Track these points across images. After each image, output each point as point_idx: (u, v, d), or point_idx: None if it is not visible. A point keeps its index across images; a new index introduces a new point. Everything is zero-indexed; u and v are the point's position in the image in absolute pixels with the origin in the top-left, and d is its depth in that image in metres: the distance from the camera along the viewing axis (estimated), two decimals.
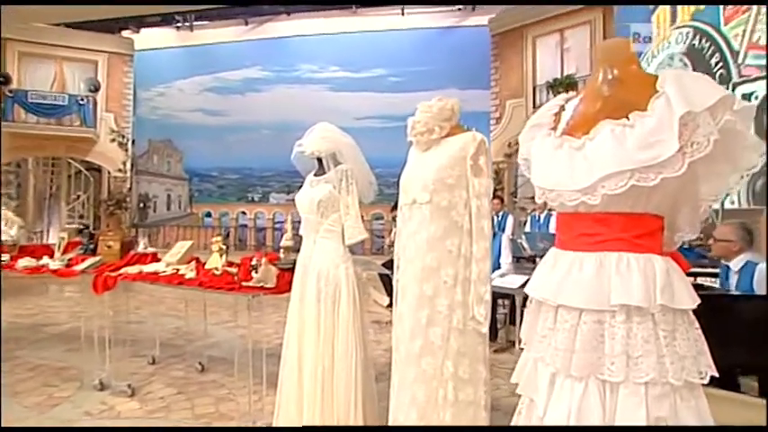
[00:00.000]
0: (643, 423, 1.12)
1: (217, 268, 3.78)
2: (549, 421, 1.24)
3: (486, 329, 1.87)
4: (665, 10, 6.24)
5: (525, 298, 4.72)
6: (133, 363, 4.24)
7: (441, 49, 11.08)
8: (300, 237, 2.94)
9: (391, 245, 7.40)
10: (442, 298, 1.86)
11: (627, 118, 1.16)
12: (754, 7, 5.15)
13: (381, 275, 6.41)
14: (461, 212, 1.89)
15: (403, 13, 11.53)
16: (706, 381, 1.16)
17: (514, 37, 9.98)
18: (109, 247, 4.22)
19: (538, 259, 5.73)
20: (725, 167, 1.20)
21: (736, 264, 3.04)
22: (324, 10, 11.76)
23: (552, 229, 6.58)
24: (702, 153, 1.09)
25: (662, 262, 1.18)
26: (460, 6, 11.06)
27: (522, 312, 4.67)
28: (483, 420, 1.91)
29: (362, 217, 2.75)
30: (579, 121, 1.28)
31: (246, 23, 12.40)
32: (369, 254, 9.97)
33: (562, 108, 1.38)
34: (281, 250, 3.78)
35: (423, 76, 10.60)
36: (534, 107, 9.59)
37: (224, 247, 4.05)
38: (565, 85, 8.99)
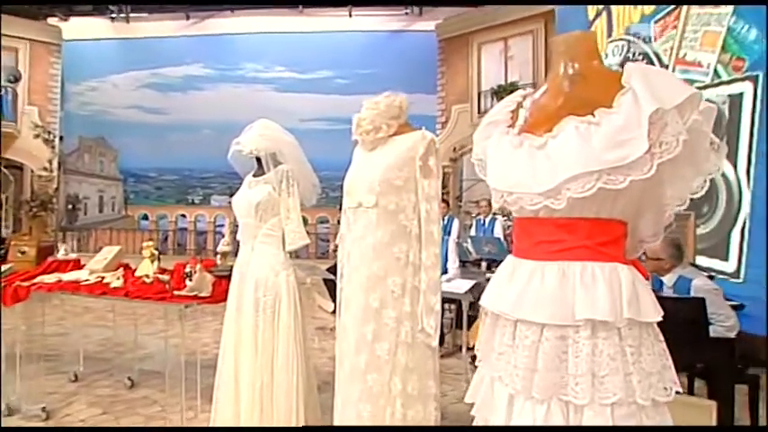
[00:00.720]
0: None
1: (147, 276, 3.47)
2: None
3: (436, 342, 1.73)
4: (602, 21, 6.43)
5: (472, 303, 4.69)
6: (51, 381, 3.81)
7: (388, 53, 11.00)
8: (239, 242, 2.72)
9: (336, 249, 7.19)
10: (389, 309, 1.71)
11: (592, 115, 1.05)
12: (680, 24, 5.37)
13: (326, 280, 6.20)
14: (410, 216, 1.75)
15: (350, 15, 11.37)
16: (671, 398, 1.08)
17: (460, 43, 10.06)
18: (23, 252, 3.79)
19: (483, 263, 5.73)
20: (688, 171, 1.11)
21: (669, 280, 3.09)
22: (270, 8, 11.39)
23: (497, 232, 6.61)
24: (672, 154, 0.99)
25: (627, 272, 1.08)
26: (407, 11, 11.04)
27: (468, 317, 4.61)
28: None
29: (306, 220, 2.57)
30: (539, 118, 1.16)
31: (188, 18, 11.82)
32: (313, 258, 9.71)
33: (520, 105, 1.27)
34: (218, 256, 3.53)
35: (370, 79, 10.48)
36: (479, 113, 9.70)
37: (156, 252, 3.73)
38: (508, 91, 9.11)
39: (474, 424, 1.32)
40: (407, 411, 1.70)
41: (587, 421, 1.04)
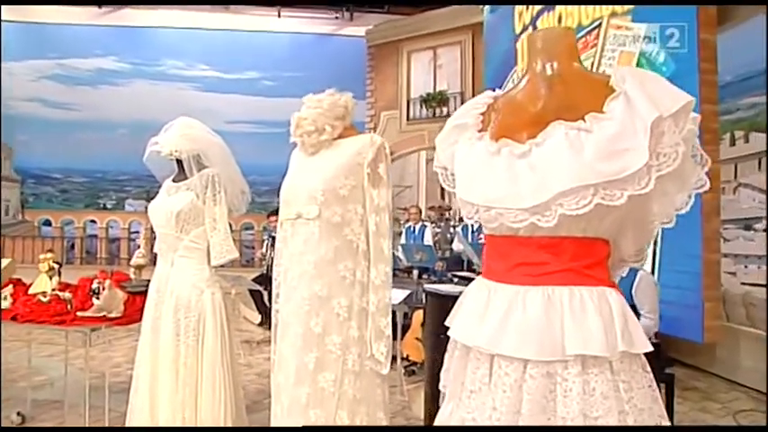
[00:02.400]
0: None
1: (45, 293, 2.99)
2: None
3: (386, 370, 1.54)
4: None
5: (405, 314, 4.56)
6: None
7: (317, 56, 10.70)
8: (157, 253, 2.37)
9: (263, 258, 6.83)
10: (333, 335, 1.49)
11: (583, 120, 0.91)
12: (600, 42, 5.60)
13: (252, 291, 5.83)
14: (356, 230, 1.55)
15: (279, 15, 10.96)
16: None
17: (390, 50, 10.00)
18: None
19: (415, 271, 5.65)
20: (671, 186, 1.00)
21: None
22: (193, 2, 10.69)
23: (427, 240, 6.57)
24: (671, 167, 0.87)
25: (616, 296, 0.96)
26: (337, 15, 10.83)
27: (403, 326, 4.48)
28: None
29: (231, 227, 2.28)
30: (518, 122, 1.01)
31: (100, 6, 10.76)
32: (238, 267, 9.19)
33: (491, 107, 1.11)
34: (132, 270, 3.12)
35: (298, 82, 10.11)
36: (408, 120, 9.69)
37: (55, 265, 3.24)
38: (437, 100, 9.21)
39: None
40: None
41: None
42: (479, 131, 1.07)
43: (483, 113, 1.11)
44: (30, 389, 3.65)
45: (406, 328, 4.75)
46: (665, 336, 3.57)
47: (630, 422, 0.91)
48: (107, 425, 2.78)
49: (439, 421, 1.14)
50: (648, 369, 0.99)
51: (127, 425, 2.24)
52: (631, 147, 0.86)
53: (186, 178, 2.24)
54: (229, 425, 2.08)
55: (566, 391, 0.90)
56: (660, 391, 1.00)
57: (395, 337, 4.46)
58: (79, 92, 11.19)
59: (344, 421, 1.47)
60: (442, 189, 10.74)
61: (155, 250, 2.36)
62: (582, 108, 0.94)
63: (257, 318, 6.17)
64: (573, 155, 0.88)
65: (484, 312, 0.99)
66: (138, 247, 2.98)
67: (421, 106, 9.46)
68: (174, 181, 2.30)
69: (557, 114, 0.95)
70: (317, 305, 1.48)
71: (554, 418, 0.92)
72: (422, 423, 3.28)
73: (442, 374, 1.14)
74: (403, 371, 4.33)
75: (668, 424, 0.98)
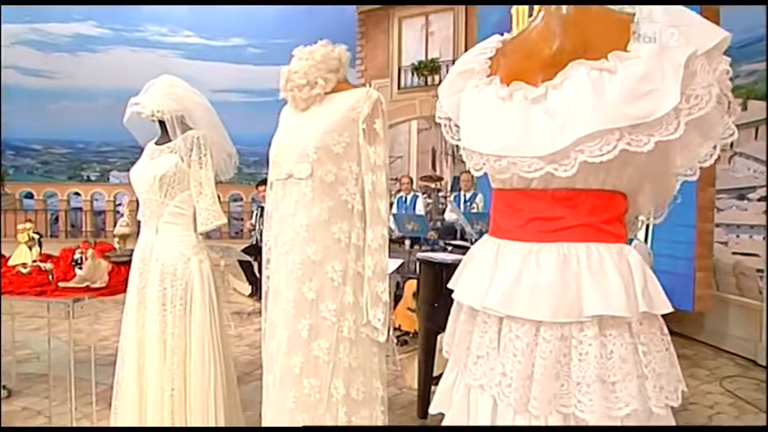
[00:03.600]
0: None
1: (24, 265, 2.89)
2: None
3: (384, 337, 1.48)
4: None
5: (398, 283, 4.52)
6: None
7: (305, 24, 10.39)
8: (140, 222, 2.27)
9: (252, 229, 6.72)
10: (328, 301, 1.42)
11: (606, 59, 0.82)
12: None
13: (241, 262, 5.75)
14: (351, 190, 1.46)
15: None
16: (679, 401, 0.91)
17: (380, 17, 9.72)
18: None
19: (407, 241, 5.60)
20: (696, 135, 0.92)
21: None
22: None
23: (419, 210, 6.50)
24: (703, 110, 0.79)
25: (636, 255, 0.89)
26: None
27: (396, 297, 4.44)
28: None
29: (219, 197, 2.18)
30: (531, 64, 0.92)
31: None
32: (226, 239, 9.09)
33: (499, 51, 1.02)
34: (116, 239, 3.01)
35: (286, 50, 9.76)
36: (399, 89, 9.49)
37: (35, 236, 3.13)
38: (429, 68, 9.02)
39: None
40: (352, 418, 1.44)
41: None
42: (487, 77, 0.98)
43: (491, 58, 1.01)
44: (15, 362, 3.58)
45: (398, 299, 4.73)
46: None
47: (649, 387, 0.85)
48: (94, 398, 2.72)
49: (442, 389, 1.08)
50: (666, 332, 0.94)
51: (114, 397, 2.17)
52: (660, 88, 0.78)
53: (170, 140, 2.12)
54: (220, 396, 2.02)
55: (581, 354, 0.84)
56: None
57: None
58: (56, 59, 10.80)
59: (340, 391, 1.41)
60: (434, 159, 10.61)
61: (138, 218, 2.26)
62: (603, 48, 0.85)
63: (247, 289, 6.11)
64: (595, 96, 0.80)
65: (493, 272, 0.92)
66: (122, 215, 2.86)
67: (412, 74, 9.26)
68: (156, 144, 2.19)
69: (575, 55, 0.86)
70: (310, 270, 1.40)
71: (568, 384, 0.86)
72: (414, 392, 3.27)
73: (446, 339, 1.08)
74: (395, 341, 4.32)
75: (685, 389, 0.92)
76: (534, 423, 0.86)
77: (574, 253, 0.86)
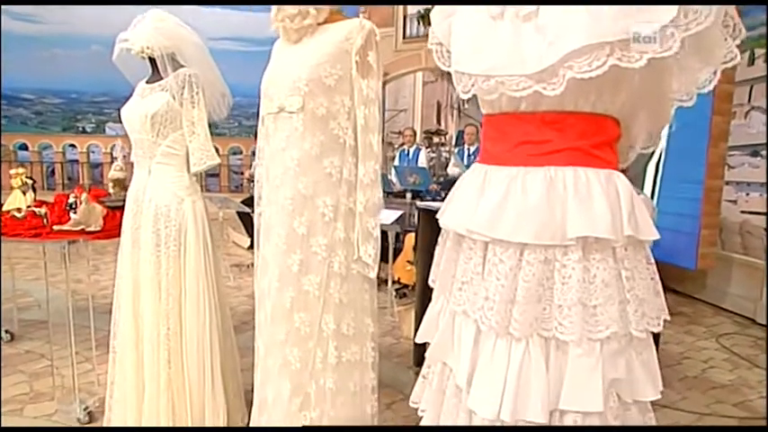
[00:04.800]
0: (599, 390, 0.85)
1: (19, 209, 2.92)
2: (476, 395, 0.92)
3: (374, 273, 1.51)
4: None
5: (398, 234, 4.55)
6: None
7: None
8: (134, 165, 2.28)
9: (251, 179, 6.73)
10: (318, 236, 1.44)
11: None
12: None
13: (240, 214, 5.79)
14: (343, 124, 1.45)
15: None
16: (660, 328, 0.93)
17: None
18: None
19: (408, 195, 5.60)
20: (694, 61, 0.90)
21: None
22: None
23: (422, 162, 6.48)
24: (702, 25, 0.77)
25: (625, 181, 0.89)
26: None
27: (395, 250, 4.49)
28: (370, 382, 1.59)
29: (217, 150, 2.18)
30: None
31: None
32: (226, 192, 9.12)
33: None
34: (111, 184, 3.03)
35: None
36: (404, 38, 9.27)
37: (29, 181, 3.15)
38: None
39: (428, 367, 1.13)
40: (342, 353, 1.49)
41: (573, 360, 0.87)
42: None
43: None
44: (17, 309, 3.69)
45: (397, 252, 4.78)
46: (657, 262, 3.61)
47: (630, 311, 0.88)
48: (93, 343, 2.81)
49: (427, 319, 1.12)
50: (652, 262, 0.95)
51: (111, 337, 2.24)
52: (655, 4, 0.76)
53: (161, 79, 2.10)
54: (215, 335, 2.08)
55: (564, 278, 0.86)
56: None
57: (386, 260, 4.53)
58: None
59: (330, 326, 1.46)
60: (439, 113, 10.45)
61: (131, 159, 2.27)
62: None
63: (246, 242, 6.19)
64: (587, 10, 0.78)
65: (479, 197, 0.93)
66: (116, 159, 2.86)
67: (418, 23, 9.00)
68: (147, 82, 2.17)
69: None
70: (301, 204, 1.42)
71: (550, 308, 0.88)
72: (411, 342, 3.36)
73: (432, 269, 1.10)
74: (394, 293, 4.40)
75: (668, 318, 0.95)
76: (515, 347, 0.89)
77: (561, 177, 0.87)
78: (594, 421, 0.89)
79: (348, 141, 1.44)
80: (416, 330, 3.28)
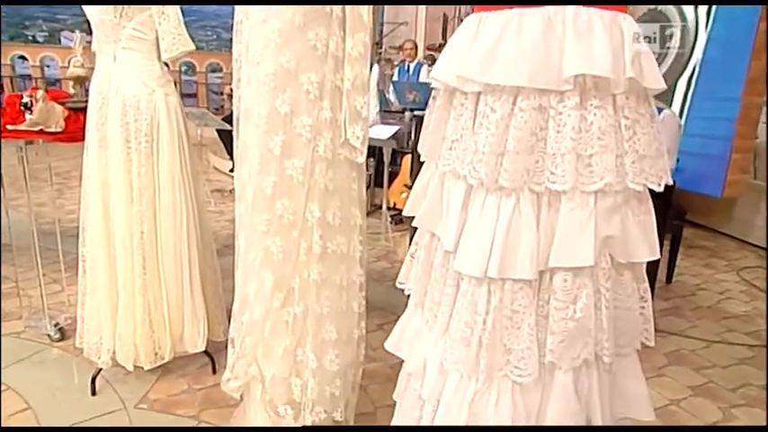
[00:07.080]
0: (590, 244, 0.92)
1: None
2: (463, 256, 1.00)
3: (363, 158, 1.56)
4: None
5: (394, 152, 4.59)
6: None
7: None
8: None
9: (231, 95, 6.62)
10: (303, 116, 1.48)
11: None
12: None
13: (221, 133, 5.80)
14: None
15: None
16: (662, 188, 0.99)
17: None
18: None
19: (407, 113, 5.59)
20: None
21: None
22: None
23: (423, 77, 6.40)
24: None
25: (632, 24, 0.92)
26: None
27: (390, 173, 4.55)
28: (358, 277, 1.68)
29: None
30: None
31: None
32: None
33: None
34: (71, 84, 3.02)
35: None
36: None
37: None
38: None
39: (415, 244, 1.21)
40: (327, 244, 1.57)
41: (564, 215, 0.94)
42: None
43: None
44: None
45: (393, 176, 4.84)
46: (680, 191, 3.66)
47: (628, 163, 0.93)
48: (62, 265, 2.90)
49: (415, 192, 1.18)
50: (657, 117, 1.00)
51: (79, 247, 2.31)
52: None
53: None
54: (192, 239, 2.16)
55: (559, 125, 0.91)
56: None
57: (381, 185, 4.59)
58: None
59: (315, 214, 1.52)
60: (444, 28, 10.19)
61: (93, 48, 2.26)
62: None
63: (228, 165, 6.23)
64: None
65: (471, 43, 0.96)
66: (74, 54, 2.84)
67: None
68: None
69: None
70: (283, 80, 1.44)
71: (543, 161, 0.94)
72: None
73: (422, 135, 1.15)
74: (390, 219, 4.49)
75: (669, 182, 1.00)
76: (505, 203, 0.95)
77: (560, 17, 0.90)
78: (585, 282, 0.97)
79: (335, 11, 1.44)
80: None
